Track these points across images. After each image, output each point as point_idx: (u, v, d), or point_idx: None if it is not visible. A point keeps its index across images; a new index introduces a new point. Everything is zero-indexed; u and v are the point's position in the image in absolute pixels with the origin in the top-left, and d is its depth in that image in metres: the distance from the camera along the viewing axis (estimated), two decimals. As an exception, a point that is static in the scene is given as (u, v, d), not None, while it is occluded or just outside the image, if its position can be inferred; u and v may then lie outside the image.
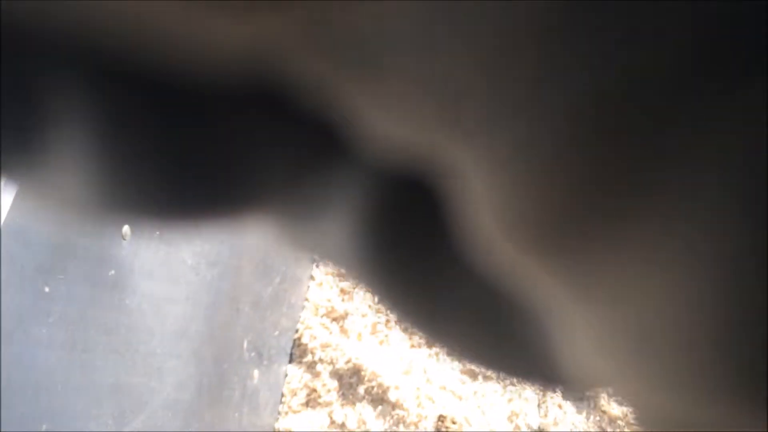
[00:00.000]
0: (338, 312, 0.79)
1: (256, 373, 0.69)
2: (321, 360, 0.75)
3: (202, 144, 0.10)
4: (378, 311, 0.79)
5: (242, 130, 0.09)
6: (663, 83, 0.06)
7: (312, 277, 0.81)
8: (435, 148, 0.07)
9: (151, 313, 0.54)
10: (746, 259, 0.06)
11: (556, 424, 0.73)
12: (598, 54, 0.06)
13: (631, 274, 0.07)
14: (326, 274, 0.82)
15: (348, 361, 0.75)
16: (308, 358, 0.76)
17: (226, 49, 0.08)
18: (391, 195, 0.10)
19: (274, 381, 0.73)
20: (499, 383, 0.76)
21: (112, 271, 0.51)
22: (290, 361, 0.76)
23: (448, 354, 0.82)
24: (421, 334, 0.12)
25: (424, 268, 0.10)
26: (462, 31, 0.06)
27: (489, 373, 0.76)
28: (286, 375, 0.75)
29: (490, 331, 0.11)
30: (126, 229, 0.53)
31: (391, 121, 0.08)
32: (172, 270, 0.58)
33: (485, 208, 0.08)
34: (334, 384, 0.74)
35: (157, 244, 0.57)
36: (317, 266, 0.83)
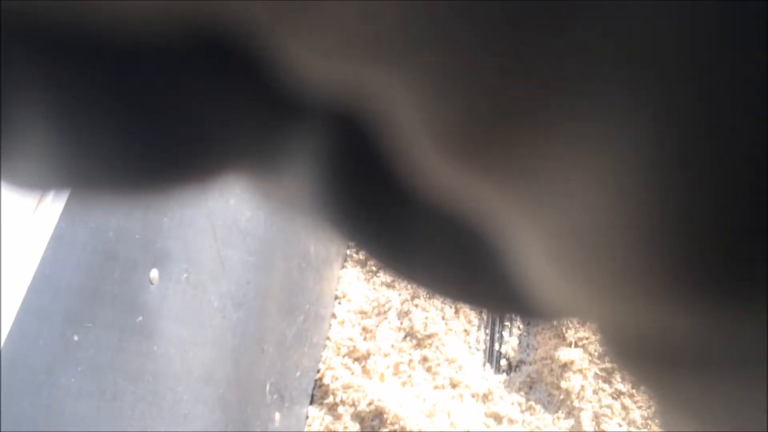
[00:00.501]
0: (360, 351, 0.78)
1: (277, 416, 0.68)
2: (342, 401, 0.74)
3: (159, 111, 0.10)
4: (401, 351, 0.78)
5: (194, 92, 0.10)
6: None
7: (334, 315, 0.81)
8: (369, 83, 0.08)
9: (178, 358, 0.54)
10: (662, 155, 0.06)
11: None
12: None
13: (559, 176, 0.07)
14: (348, 311, 0.81)
15: (370, 403, 0.74)
16: (329, 399, 0.75)
17: (163, 5, 0.08)
18: (342, 139, 0.10)
19: (295, 423, 0.72)
20: (524, 427, 0.75)
21: (140, 317, 0.51)
22: (311, 403, 0.75)
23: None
24: (397, 274, 0.12)
25: (386, 208, 0.10)
26: None
27: (514, 416, 0.75)
28: (307, 417, 0.74)
29: (457, 263, 0.11)
30: (154, 273, 0.53)
31: (325, 62, 0.08)
32: (199, 313, 0.57)
33: (421, 133, 0.08)
34: (355, 427, 0.73)
35: (185, 287, 0.56)
36: (339, 303, 0.82)
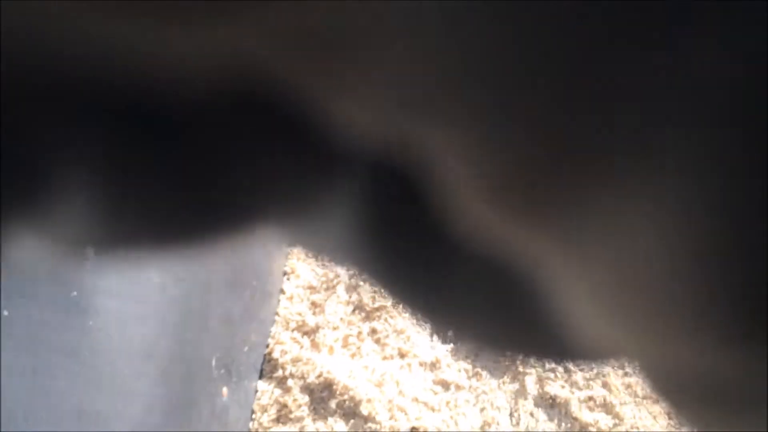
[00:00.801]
0: (309, 326, 0.78)
1: (225, 390, 0.68)
2: (292, 375, 0.75)
3: (197, 167, 0.10)
4: (350, 323, 0.79)
5: (233, 146, 0.10)
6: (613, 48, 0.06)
7: (282, 291, 0.81)
8: (415, 133, 0.08)
9: (116, 334, 0.53)
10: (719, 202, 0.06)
11: (528, 432, 0.74)
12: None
13: (611, 226, 0.07)
14: (297, 287, 0.81)
15: (319, 375, 0.74)
16: (279, 373, 0.75)
17: (200, 61, 0.08)
18: (382, 188, 0.10)
19: (244, 398, 0.72)
20: (471, 393, 0.76)
21: (75, 292, 0.50)
22: (260, 377, 0.75)
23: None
24: (431, 324, 0.12)
25: (425, 257, 0.10)
26: (433, 31, 0.06)
27: (461, 382, 0.77)
28: (256, 391, 0.74)
29: (497, 312, 0.11)
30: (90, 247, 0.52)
31: (370, 115, 0.08)
32: (139, 289, 0.56)
33: (466, 181, 0.08)
34: (305, 399, 0.74)
35: (122, 263, 0.55)
36: (288, 279, 0.82)
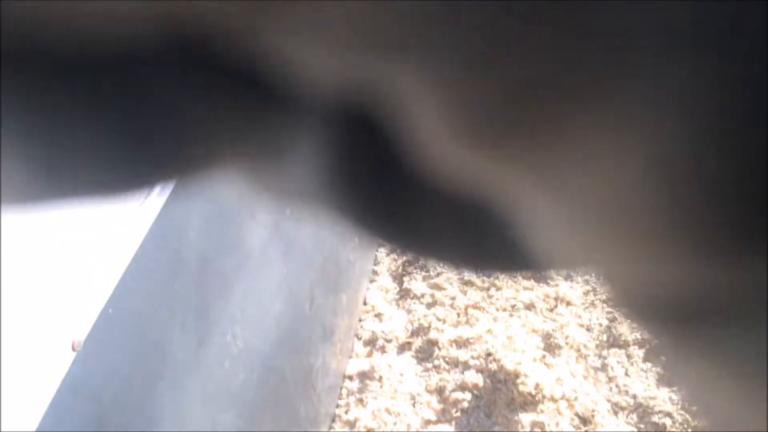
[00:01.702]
0: None
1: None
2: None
3: (141, 112, 0.10)
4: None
5: (178, 90, 0.10)
6: None
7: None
8: (380, 75, 0.08)
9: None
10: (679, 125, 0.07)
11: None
12: None
13: (577, 154, 0.08)
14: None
15: None
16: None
17: (147, 8, 0.08)
18: (347, 128, 0.10)
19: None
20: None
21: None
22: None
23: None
24: (408, 252, 0.13)
25: (396, 192, 0.11)
26: None
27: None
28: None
29: (470, 238, 0.11)
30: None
31: (326, 56, 0.08)
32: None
33: (436, 121, 0.08)
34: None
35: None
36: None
